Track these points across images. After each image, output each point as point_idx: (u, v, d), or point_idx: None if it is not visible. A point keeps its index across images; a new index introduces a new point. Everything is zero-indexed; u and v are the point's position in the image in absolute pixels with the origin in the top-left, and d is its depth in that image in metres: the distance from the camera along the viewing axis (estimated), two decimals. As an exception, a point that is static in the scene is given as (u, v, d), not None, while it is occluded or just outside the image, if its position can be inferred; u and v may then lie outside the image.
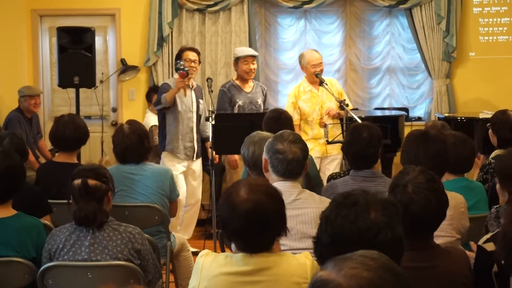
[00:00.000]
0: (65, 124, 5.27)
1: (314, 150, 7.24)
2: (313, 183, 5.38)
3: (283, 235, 2.91)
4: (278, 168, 3.77)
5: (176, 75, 6.90)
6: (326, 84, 7.12)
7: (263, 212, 2.79)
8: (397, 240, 2.27)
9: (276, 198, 2.89)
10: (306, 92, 7.38)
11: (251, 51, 7.57)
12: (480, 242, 3.38)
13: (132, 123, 5.22)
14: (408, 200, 2.91)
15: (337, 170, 7.34)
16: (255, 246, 2.86)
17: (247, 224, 2.78)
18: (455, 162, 4.43)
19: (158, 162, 7.04)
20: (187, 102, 7.02)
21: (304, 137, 7.10)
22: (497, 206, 4.02)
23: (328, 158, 7.40)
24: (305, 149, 3.88)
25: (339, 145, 7.30)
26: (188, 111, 7.02)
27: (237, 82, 7.46)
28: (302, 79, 7.64)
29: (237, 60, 7.42)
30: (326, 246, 2.26)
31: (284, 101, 8.12)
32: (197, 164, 7.25)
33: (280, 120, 5.54)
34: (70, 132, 5.22)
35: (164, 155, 7.04)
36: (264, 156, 3.86)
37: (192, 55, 7.06)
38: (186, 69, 6.71)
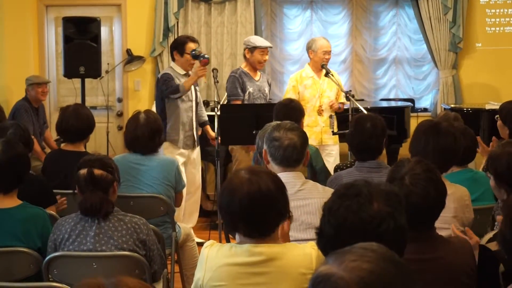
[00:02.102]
0: (69, 115, 5.26)
1: (310, 138, 7.17)
2: (320, 177, 5.36)
3: (287, 218, 2.91)
4: (276, 155, 3.77)
5: (174, 66, 6.93)
6: (332, 76, 7.11)
7: (267, 193, 2.79)
8: (401, 230, 2.26)
9: (277, 180, 2.89)
10: (308, 78, 7.38)
11: (269, 43, 7.59)
12: (483, 242, 3.37)
13: (149, 114, 5.19)
14: (406, 192, 2.89)
15: (337, 161, 7.31)
16: (257, 229, 2.85)
17: (250, 204, 2.77)
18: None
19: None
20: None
21: (298, 124, 7.12)
22: (504, 197, 4.01)
23: (326, 148, 7.37)
24: (302, 136, 3.87)
25: (335, 136, 7.30)
26: (188, 100, 7.01)
27: (247, 70, 7.44)
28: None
29: (254, 49, 7.35)
30: (329, 238, 2.26)
31: (290, 92, 8.12)
32: (196, 152, 7.24)
33: (287, 107, 5.53)
34: (74, 124, 5.21)
35: (165, 146, 6.99)
36: (264, 147, 3.86)
37: (194, 47, 7.02)
38: (207, 56, 6.70)
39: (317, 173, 5.38)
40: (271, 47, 7.53)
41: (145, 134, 5.04)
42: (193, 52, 6.79)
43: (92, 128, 5.40)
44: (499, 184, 3.80)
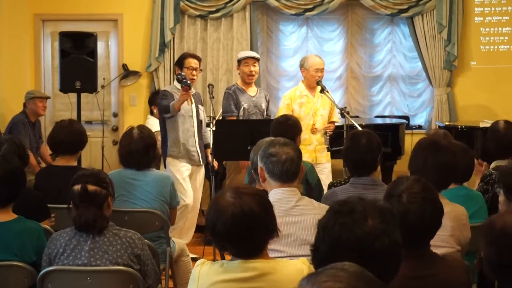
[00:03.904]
0: (62, 128, 5.30)
1: (304, 156, 7.17)
2: (314, 193, 5.38)
3: (275, 236, 2.91)
4: (274, 171, 3.77)
5: (176, 84, 6.93)
6: (328, 92, 7.13)
7: (250, 214, 2.78)
8: (395, 247, 2.27)
9: (262, 199, 2.88)
10: (302, 96, 7.38)
11: (252, 53, 7.65)
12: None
13: (142, 129, 5.20)
14: (403, 210, 2.91)
15: (329, 178, 7.32)
16: (246, 250, 2.85)
17: (235, 227, 2.78)
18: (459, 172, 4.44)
19: (158, 169, 7.04)
20: (186, 108, 7.01)
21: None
22: (499, 215, 4.01)
23: (318, 166, 7.37)
24: (297, 149, 3.90)
25: (328, 154, 7.30)
26: (188, 116, 7.02)
27: (241, 86, 7.50)
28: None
29: (239, 62, 7.48)
30: (324, 255, 2.27)
31: (285, 108, 8.13)
32: (201, 172, 7.25)
33: (284, 125, 5.55)
34: (66, 136, 5.23)
35: (168, 161, 7.04)
36: (259, 165, 3.85)
37: (194, 63, 7.07)
38: (188, 82, 6.68)
39: (312, 189, 5.38)
40: (253, 58, 7.51)
41: (139, 149, 5.06)
42: (178, 76, 6.78)
43: (84, 143, 5.42)
44: (509, 198, 3.81)
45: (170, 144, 7.01)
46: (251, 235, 2.82)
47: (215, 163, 6.80)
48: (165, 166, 7.23)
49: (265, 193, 3.05)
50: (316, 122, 7.33)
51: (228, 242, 2.85)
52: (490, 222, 2.72)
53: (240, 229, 2.78)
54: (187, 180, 7.01)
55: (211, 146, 6.60)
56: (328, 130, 7.26)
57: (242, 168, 7.22)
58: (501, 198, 3.94)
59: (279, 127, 5.47)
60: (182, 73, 6.83)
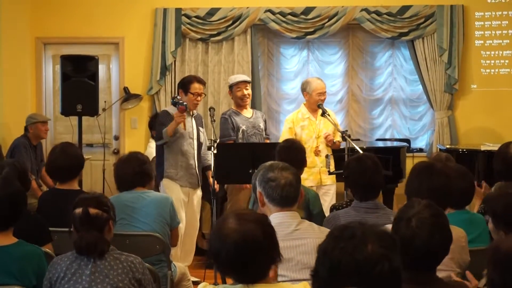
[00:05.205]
0: (56, 155, 5.31)
1: (308, 179, 7.20)
2: (314, 223, 5.35)
3: (278, 262, 2.90)
4: (274, 195, 3.77)
5: (171, 107, 6.95)
6: (328, 115, 7.14)
7: (253, 242, 2.76)
8: (395, 272, 2.26)
9: (265, 225, 2.86)
10: (305, 119, 7.40)
11: (243, 77, 7.72)
12: (481, 285, 3.36)
13: (131, 152, 5.39)
14: (411, 234, 2.91)
15: (333, 200, 7.31)
16: (249, 276, 2.83)
17: (238, 255, 2.75)
18: (455, 195, 4.44)
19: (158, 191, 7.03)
20: (188, 129, 7.03)
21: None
22: (500, 240, 4.00)
23: (323, 188, 7.37)
24: (296, 174, 3.89)
25: (333, 176, 7.29)
26: (188, 137, 7.03)
27: (236, 109, 7.56)
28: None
29: (231, 88, 7.55)
30: (323, 279, 2.26)
31: (286, 131, 8.14)
32: (198, 193, 7.24)
33: (292, 148, 5.54)
34: (62, 163, 5.24)
35: (164, 183, 7.02)
36: (258, 189, 3.84)
37: (199, 88, 7.07)
38: (184, 103, 6.73)
39: (313, 218, 5.32)
40: (244, 81, 7.60)
41: (135, 168, 5.14)
42: (173, 100, 6.83)
43: (81, 165, 5.43)
44: (497, 226, 3.81)
45: (167, 165, 6.99)
46: (254, 262, 2.79)
47: (216, 186, 6.78)
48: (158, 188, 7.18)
49: (266, 218, 3.03)
50: (320, 144, 7.34)
51: (231, 269, 2.83)
52: (496, 245, 2.72)
53: (243, 257, 2.76)
54: (182, 205, 7.00)
55: (212, 169, 6.59)
56: (329, 138, 7.26)
57: (242, 189, 7.24)
58: (490, 225, 3.93)
59: (287, 152, 5.43)
60: (178, 96, 6.87)
